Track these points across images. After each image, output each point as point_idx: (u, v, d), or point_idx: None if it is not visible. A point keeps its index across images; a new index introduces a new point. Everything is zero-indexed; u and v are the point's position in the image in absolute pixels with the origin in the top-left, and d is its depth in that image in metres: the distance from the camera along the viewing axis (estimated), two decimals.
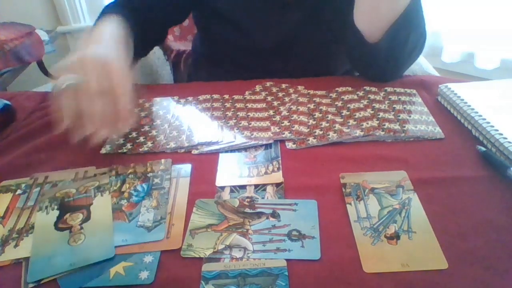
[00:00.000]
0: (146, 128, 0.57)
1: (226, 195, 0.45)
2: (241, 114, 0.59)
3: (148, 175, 0.49)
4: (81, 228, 0.42)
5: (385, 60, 0.64)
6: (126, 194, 0.46)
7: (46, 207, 0.45)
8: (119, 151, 0.53)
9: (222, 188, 0.47)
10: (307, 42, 0.75)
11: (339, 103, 0.61)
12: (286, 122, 0.57)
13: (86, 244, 0.40)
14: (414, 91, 0.63)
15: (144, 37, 0.72)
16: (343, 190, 0.45)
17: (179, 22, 0.82)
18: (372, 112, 0.58)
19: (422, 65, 0.92)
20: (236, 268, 0.37)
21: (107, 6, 0.70)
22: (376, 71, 0.67)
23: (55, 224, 0.43)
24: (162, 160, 0.51)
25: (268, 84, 0.67)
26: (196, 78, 0.84)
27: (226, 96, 0.65)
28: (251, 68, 0.73)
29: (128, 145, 0.54)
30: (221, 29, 0.77)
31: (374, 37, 0.63)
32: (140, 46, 0.72)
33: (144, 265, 0.37)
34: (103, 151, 0.54)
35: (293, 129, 0.55)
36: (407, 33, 0.61)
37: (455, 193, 0.44)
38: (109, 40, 0.56)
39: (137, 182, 0.48)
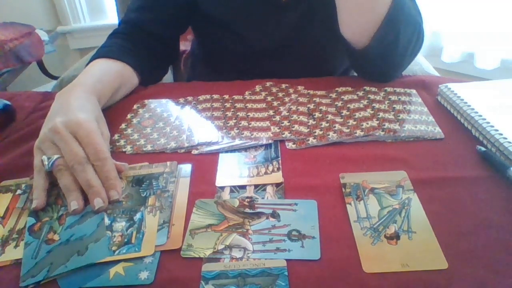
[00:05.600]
0: (148, 130, 0.57)
1: (226, 195, 0.45)
2: (241, 114, 0.59)
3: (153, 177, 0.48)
4: None
5: (378, 64, 0.64)
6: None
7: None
8: (121, 150, 0.54)
9: (222, 188, 0.47)
10: (305, 42, 0.75)
11: (339, 103, 0.61)
12: (286, 122, 0.57)
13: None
14: (414, 91, 0.63)
15: (155, 59, 0.75)
16: (343, 190, 0.45)
17: (182, 32, 0.82)
18: (372, 112, 0.58)
19: (422, 65, 0.92)
20: (236, 268, 0.37)
21: (104, 45, 0.71)
22: (372, 73, 0.67)
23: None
24: (168, 163, 0.50)
25: (268, 84, 0.67)
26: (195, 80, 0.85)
27: (226, 96, 0.65)
28: (249, 71, 0.74)
29: (129, 147, 0.54)
30: (217, 34, 0.78)
31: (362, 43, 0.62)
32: (155, 68, 0.76)
33: (144, 265, 0.37)
34: None
35: (293, 129, 0.55)
36: (395, 34, 0.60)
37: (455, 193, 0.44)
38: (79, 105, 0.51)
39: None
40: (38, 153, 0.47)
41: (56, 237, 0.41)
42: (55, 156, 0.45)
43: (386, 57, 0.63)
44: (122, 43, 0.71)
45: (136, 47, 0.71)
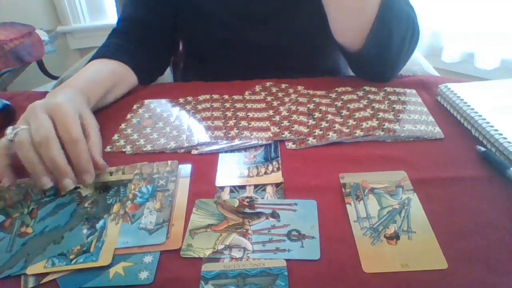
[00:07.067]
0: (148, 130, 0.57)
1: (225, 195, 0.45)
2: (240, 114, 0.59)
3: (154, 176, 0.48)
4: None
5: (375, 65, 0.64)
6: (130, 195, 0.46)
7: None
8: (121, 150, 0.54)
9: (222, 188, 0.47)
10: (289, 29, 0.75)
11: (339, 103, 0.61)
12: (285, 122, 0.57)
13: None
14: (414, 91, 0.63)
15: (155, 54, 0.76)
16: (343, 190, 0.45)
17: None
18: (371, 112, 0.58)
19: (422, 65, 0.92)
20: (235, 268, 0.37)
21: (102, 45, 0.72)
22: (369, 73, 0.67)
23: None
24: (169, 162, 0.50)
25: (267, 84, 0.67)
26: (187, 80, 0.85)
27: (226, 96, 0.65)
28: (235, 62, 0.74)
29: (128, 147, 0.54)
30: (201, 23, 0.78)
31: (356, 45, 0.62)
32: (155, 64, 0.77)
33: (143, 265, 0.37)
34: (107, 149, 0.54)
35: (293, 129, 0.55)
36: (388, 33, 0.60)
37: (455, 193, 0.44)
38: (65, 97, 0.51)
39: (142, 183, 0.47)
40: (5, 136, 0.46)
41: (29, 230, 0.41)
42: (21, 126, 0.44)
43: (381, 57, 0.63)
44: (120, 42, 0.72)
45: (134, 45, 0.72)
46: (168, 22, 0.77)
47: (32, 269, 0.37)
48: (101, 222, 0.42)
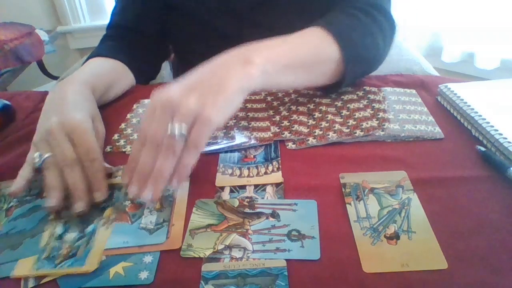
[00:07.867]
0: None
1: (226, 195, 0.45)
2: (240, 114, 0.59)
3: None
4: None
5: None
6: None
7: None
8: (121, 150, 0.54)
9: (222, 188, 0.47)
10: (270, 27, 0.74)
11: (339, 103, 0.61)
12: (285, 122, 0.57)
13: None
14: (414, 91, 0.63)
15: (147, 56, 0.76)
16: (343, 190, 0.45)
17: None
18: (371, 112, 0.58)
19: (422, 65, 0.92)
20: (235, 268, 0.37)
21: (96, 48, 0.73)
22: None
23: None
24: None
25: None
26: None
27: None
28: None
29: (128, 147, 0.54)
30: (183, 24, 0.77)
31: (332, 82, 0.61)
32: (148, 64, 0.78)
33: (143, 265, 0.37)
34: (107, 149, 0.54)
35: (293, 129, 0.55)
36: (361, 67, 0.60)
37: (455, 193, 0.44)
38: (75, 101, 0.52)
39: None
40: (32, 149, 0.48)
41: None
42: (46, 154, 0.45)
43: (359, 76, 0.64)
44: (112, 44, 0.73)
45: (126, 46, 0.73)
46: (156, 27, 0.78)
47: (17, 271, 0.37)
48: (90, 227, 0.42)
